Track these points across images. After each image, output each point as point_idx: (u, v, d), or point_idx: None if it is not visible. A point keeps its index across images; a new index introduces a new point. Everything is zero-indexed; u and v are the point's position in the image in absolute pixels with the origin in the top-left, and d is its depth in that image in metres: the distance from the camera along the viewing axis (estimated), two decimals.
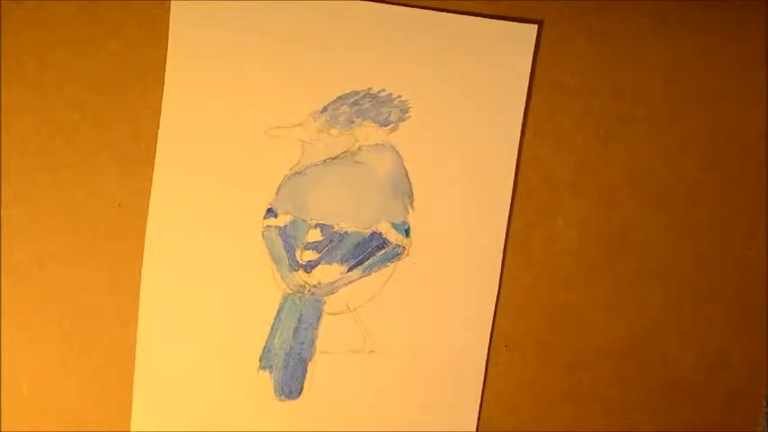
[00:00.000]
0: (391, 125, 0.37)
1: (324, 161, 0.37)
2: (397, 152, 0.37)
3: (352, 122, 0.37)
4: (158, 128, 0.36)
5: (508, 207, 0.37)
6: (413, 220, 0.37)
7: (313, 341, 0.37)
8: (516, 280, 0.37)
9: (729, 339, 0.38)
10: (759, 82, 0.37)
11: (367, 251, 0.37)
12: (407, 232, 0.37)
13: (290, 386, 0.37)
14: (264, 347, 0.37)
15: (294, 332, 0.37)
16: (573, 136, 0.37)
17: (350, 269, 0.37)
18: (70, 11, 0.36)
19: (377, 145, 0.37)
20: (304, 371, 0.37)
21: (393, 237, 0.37)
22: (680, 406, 0.38)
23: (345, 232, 0.37)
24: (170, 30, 0.36)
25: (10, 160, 0.36)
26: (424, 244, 0.37)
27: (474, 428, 0.37)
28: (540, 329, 0.38)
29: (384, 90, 0.37)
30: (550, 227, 0.37)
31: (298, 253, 0.37)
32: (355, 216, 0.37)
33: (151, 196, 0.37)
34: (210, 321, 0.37)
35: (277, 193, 0.37)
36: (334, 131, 0.37)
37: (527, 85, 0.37)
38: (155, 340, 0.37)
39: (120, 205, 0.37)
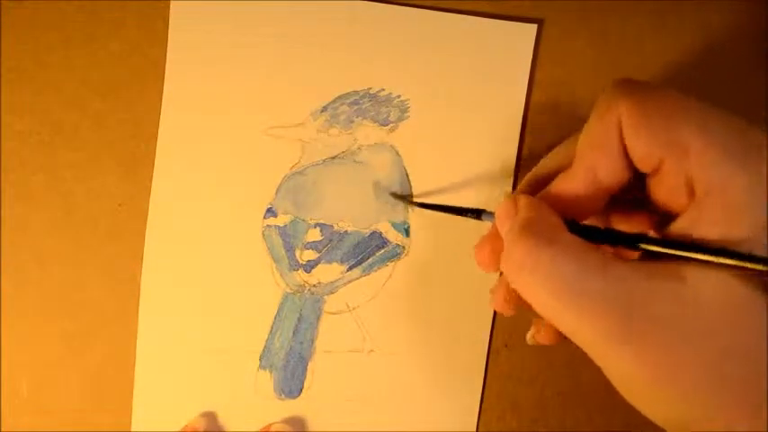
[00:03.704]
0: (391, 125, 0.37)
1: (324, 161, 0.37)
2: (397, 152, 0.37)
3: (352, 122, 0.37)
4: (158, 128, 0.36)
5: None
6: (413, 219, 0.37)
7: (313, 340, 0.37)
8: None
9: None
10: (759, 82, 0.37)
11: (367, 251, 0.37)
12: (407, 232, 0.37)
13: (290, 385, 0.37)
14: (264, 347, 0.37)
15: (294, 331, 0.37)
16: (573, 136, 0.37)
17: (350, 269, 0.37)
18: (70, 11, 0.36)
19: (376, 145, 0.37)
20: (304, 370, 0.37)
21: (393, 236, 0.37)
22: None
23: (345, 232, 0.37)
24: (170, 30, 0.36)
25: (10, 160, 0.36)
26: (424, 244, 0.37)
27: (474, 428, 0.37)
28: None
29: (383, 90, 0.37)
30: None
31: (297, 252, 0.37)
32: (355, 216, 0.37)
33: (151, 196, 0.37)
34: (210, 321, 0.37)
35: (277, 192, 0.37)
36: (334, 131, 0.37)
37: (527, 85, 0.37)
38: (155, 340, 0.37)
39: (120, 205, 0.37)
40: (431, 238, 0.37)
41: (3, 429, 0.37)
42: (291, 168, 0.37)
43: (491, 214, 0.29)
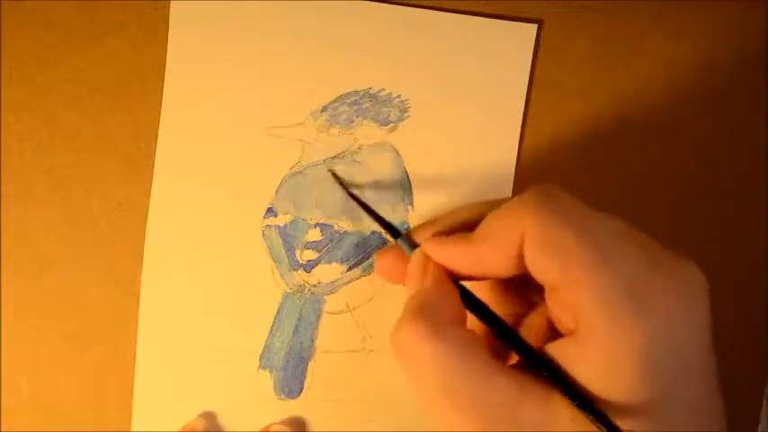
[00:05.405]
0: (391, 125, 0.37)
1: (324, 161, 0.37)
2: (397, 152, 0.37)
3: (352, 122, 0.37)
4: (158, 128, 0.36)
5: None
6: (413, 219, 0.37)
7: (313, 340, 0.37)
8: None
9: (729, 339, 0.38)
10: (759, 82, 0.37)
11: (367, 250, 0.37)
12: None
13: (290, 386, 0.37)
14: (264, 347, 0.37)
15: (294, 332, 0.37)
16: (573, 136, 0.37)
17: (350, 268, 0.37)
18: (70, 11, 0.36)
19: (376, 144, 0.37)
20: (304, 370, 0.37)
21: None
22: None
23: (345, 232, 0.37)
24: (170, 30, 0.36)
25: (10, 160, 0.37)
26: None
27: None
28: None
29: (384, 90, 0.37)
30: None
31: (297, 252, 0.37)
32: (355, 216, 0.37)
33: (151, 196, 0.37)
34: (210, 321, 0.37)
35: (277, 192, 0.37)
36: (334, 131, 0.37)
37: (527, 84, 0.37)
38: (155, 340, 0.37)
39: (120, 205, 0.37)
40: None
41: (3, 429, 0.37)
42: (291, 168, 0.37)
43: (407, 245, 0.29)
